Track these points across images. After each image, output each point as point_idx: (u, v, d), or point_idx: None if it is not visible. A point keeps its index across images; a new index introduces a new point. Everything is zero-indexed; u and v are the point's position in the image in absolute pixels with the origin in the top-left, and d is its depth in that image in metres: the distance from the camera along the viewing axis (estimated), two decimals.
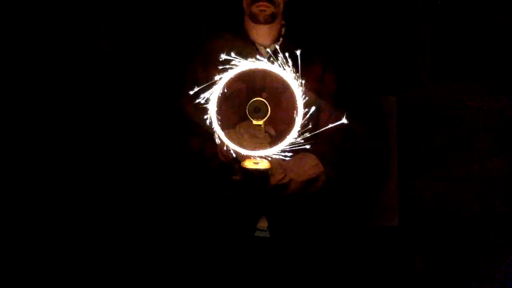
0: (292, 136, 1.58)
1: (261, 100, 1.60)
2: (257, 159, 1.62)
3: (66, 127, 2.40)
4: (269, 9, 1.84)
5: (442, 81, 2.42)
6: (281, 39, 1.92)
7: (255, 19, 1.87)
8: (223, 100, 1.66)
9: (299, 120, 1.56)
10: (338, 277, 1.91)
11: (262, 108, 1.60)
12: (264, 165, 1.63)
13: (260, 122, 1.62)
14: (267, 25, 1.88)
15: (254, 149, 1.59)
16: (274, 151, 1.59)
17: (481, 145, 2.39)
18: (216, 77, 1.58)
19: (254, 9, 1.85)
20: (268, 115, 1.61)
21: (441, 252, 2.39)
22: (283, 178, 1.68)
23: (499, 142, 2.38)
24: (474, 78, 2.40)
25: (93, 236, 2.39)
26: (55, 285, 2.36)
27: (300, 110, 1.55)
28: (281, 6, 1.90)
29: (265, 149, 1.60)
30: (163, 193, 2.38)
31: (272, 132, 1.66)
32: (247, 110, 1.60)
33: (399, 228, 2.36)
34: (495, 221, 2.36)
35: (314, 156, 1.77)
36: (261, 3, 1.84)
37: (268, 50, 1.89)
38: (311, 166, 1.77)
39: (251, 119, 1.61)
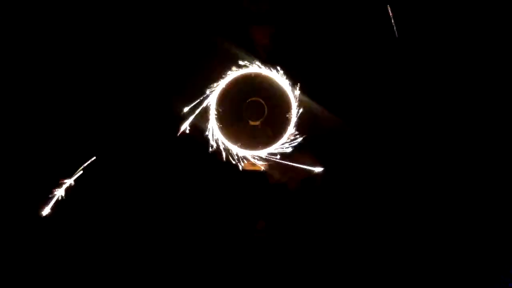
0: (286, 137, 1.59)
1: (257, 101, 1.61)
2: (255, 160, 1.62)
3: (65, 127, 2.40)
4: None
5: None
6: (279, 39, 1.93)
7: (254, 20, 1.88)
8: (222, 100, 1.66)
9: (292, 121, 1.56)
10: (336, 277, 1.91)
11: (258, 109, 1.60)
12: (261, 165, 1.64)
13: (257, 123, 1.63)
14: (266, 26, 1.89)
15: (251, 149, 1.60)
16: (270, 151, 1.59)
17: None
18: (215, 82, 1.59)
19: (254, 9, 1.87)
20: (265, 115, 1.61)
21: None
22: (281, 177, 1.70)
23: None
24: None
25: (93, 236, 2.38)
26: (55, 285, 2.35)
27: (294, 112, 1.56)
28: (281, 7, 1.90)
29: (262, 149, 1.61)
30: (163, 194, 2.37)
31: (269, 132, 1.67)
32: (243, 111, 1.61)
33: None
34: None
35: (311, 155, 1.78)
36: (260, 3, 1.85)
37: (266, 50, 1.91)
38: (309, 165, 1.78)
39: (248, 120, 1.62)
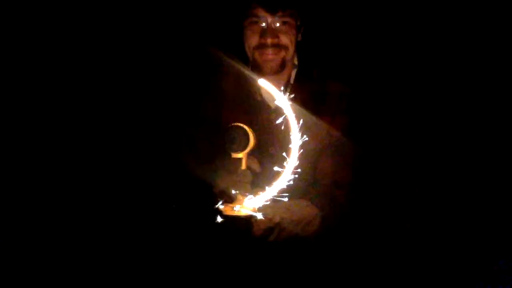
0: (286, 178, 1.30)
1: (240, 127, 1.27)
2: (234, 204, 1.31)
3: (65, 129, 2.35)
4: (278, 57, 1.55)
5: None
6: (289, 85, 1.65)
7: (259, 70, 1.57)
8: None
9: (294, 155, 1.31)
10: (335, 278, 1.65)
11: (239, 138, 1.27)
12: (245, 211, 1.31)
13: (240, 155, 1.30)
14: (274, 76, 1.59)
15: (231, 188, 1.33)
16: (260, 195, 1.32)
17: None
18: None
19: (258, 57, 1.56)
20: (250, 146, 1.29)
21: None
22: (269, 222, 1.41)
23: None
24: None
25: (92, 236, 2.23)
26: (55, 285, 2.20)
27: (296, 141, 1.31)
28: (292, 48, 1.58)
29: (244, 189, 1.31)
30: (160, 196, 2.22)
31: (256, 167, 1.36)
32: (224, 140, 1.28)
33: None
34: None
35: (304, 200, 1.56)
36: (265, 50, 1.53)
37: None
38: (304, 207, 1.53)
39: (228, 151, 1.30)
